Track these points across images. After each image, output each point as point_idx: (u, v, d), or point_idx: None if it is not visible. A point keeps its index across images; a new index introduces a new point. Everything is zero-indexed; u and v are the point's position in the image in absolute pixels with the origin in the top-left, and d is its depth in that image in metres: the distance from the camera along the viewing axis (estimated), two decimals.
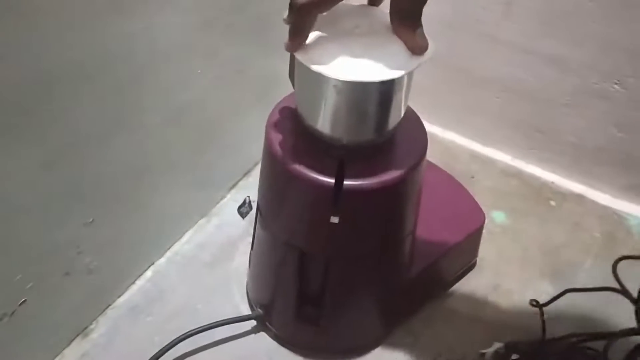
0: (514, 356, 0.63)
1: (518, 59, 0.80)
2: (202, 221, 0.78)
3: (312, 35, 0.47)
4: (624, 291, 0.56)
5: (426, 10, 0.46)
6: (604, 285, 0.57)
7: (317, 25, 0.48)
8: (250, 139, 0.78)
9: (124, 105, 0.59)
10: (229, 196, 0.81)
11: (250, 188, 0.81)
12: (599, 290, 0.58)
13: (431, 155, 0.58)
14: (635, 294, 0.55)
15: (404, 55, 0.47)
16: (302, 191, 0.54)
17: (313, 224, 0.56)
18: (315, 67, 0.46)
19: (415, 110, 0.58)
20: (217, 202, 0.80)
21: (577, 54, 0.75)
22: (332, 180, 0.51)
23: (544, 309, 0.65)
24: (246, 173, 0.83)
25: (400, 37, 0.47)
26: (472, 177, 0.85)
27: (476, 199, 0.72)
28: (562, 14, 0.74)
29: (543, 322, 0.60)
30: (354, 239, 0.56)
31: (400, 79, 0.48)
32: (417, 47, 0.46)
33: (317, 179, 0.51)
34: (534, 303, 0.59)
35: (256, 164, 0.83)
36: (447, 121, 0.90)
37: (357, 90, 0.48)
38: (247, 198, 0.80)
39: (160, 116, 0.64)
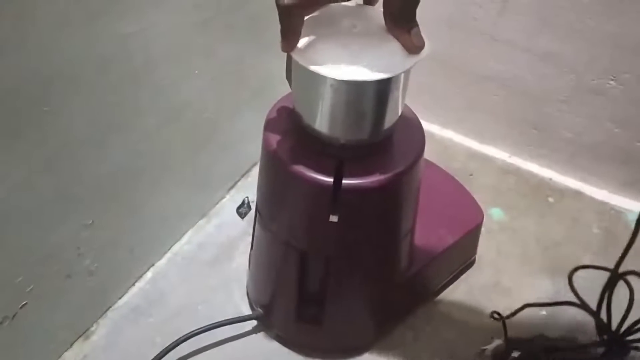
0: (514, 353, 0.63)
1: (515, 56, 0.80)
2: (201, 222, 0.78)
3: (309, 35, 0.48)
4: (582, 305, 0.56)
5: (423, 9, 0.46)
6: (565, 300, 0.57)
7: (314, 24, 0.48)
8: (249, 140, 0.78)
9: (121, 106, 0.59)
10: (227, 197, 0.81)
11: (249, 188, 0.81)
12: (557, 305, 0.58)
13: (429, 154, 0.58)
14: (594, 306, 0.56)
15: (401, 54, 0.47)
16: (300, 191, 0.54)
17: (312, 223, 0.56)
18: (312, 67, 0.46)
19: (413, 109, 0.58)
20: (216, 203, 0.80)
21: (574, 51, 0.75)
22: (331, 180, 0.51)
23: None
24: (245, 173, 0.83)
25: (395, 37, 0.47)
26: (471, 175, 0.85)
27: (474, 196, 0.72)
28: (557, 11, 0.74)
29: (505, 333, 0.60)
30: (353, 237, 0.57)
31: (397, 77, 0.48)
32: (413, 47, 0.46)
33: (316, 178, 0.52)
34: (496, 316, 0.60)
35: (255, 164, 0.83)
36: (445, 119, 0.90)
37: (354, 90, 0.49)
38: (246, 198, 0.80)
39: (158, 117, 0.64)
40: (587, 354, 0.57)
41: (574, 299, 0.61)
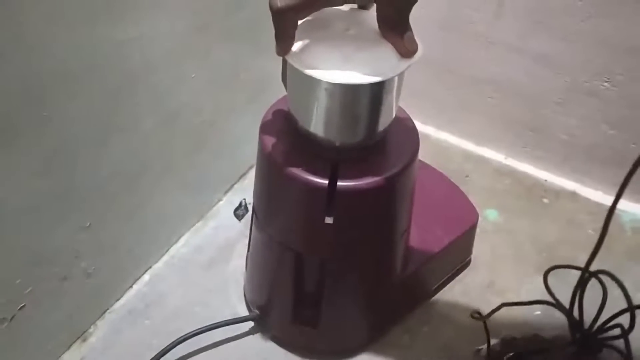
0: (509, 353, 0.63)
1: (510, 58, 0.80)
2: (198, 224, 0.78)
3: (303, 39, 0.48)
4: (557, 305, 0.57)
5: (419, 12, 0.47)
6: (541, 299, 0.57)
7: (308, 28, 0.49)
8: (246, 142, 0.78)
9: (118, 110, 0.59)
10: (225, 199, 0.81)
11: (245, 191, 0.82)
12: (532, 304, 0.59)
13: (425, 156, 0.58)
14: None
15: (394, 58, 0.47)
16: (296, 193, 0.54)
17: (308, 225, 0.56)
18: (306, 71, 0.46)
19: (409, 111, 0.59)
20: (213, 205, 0.80)
21: (568, 53, 0.76)
22: (326, 182, 0.52)
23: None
24: (242, 176, 0.83)
25: (389, 41, 0.47)
26: (466, 176, 0.86)
27: (470, 198, 0.72)
28: (552, 14, 0.75)
29: (487, 333, 0.61)
30: (349, 239, 0.57)
31: (391, 80, 0.49)
32: (406, 51, 0.47)
33: (311, 180, 0.52)
34: (476, 315, 0.60)
35: (251, 167, 0.83)
36: (441, 121, 0.91)
37: (348, 93, 0.49)
38: (243, 201, 0.80)
39: (155, 120, 0.64)
40: (559, 352, 0.57)
41: (567, 298, 0.61)
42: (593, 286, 0.55)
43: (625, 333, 0.53)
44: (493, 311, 0.60)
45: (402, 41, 0.46)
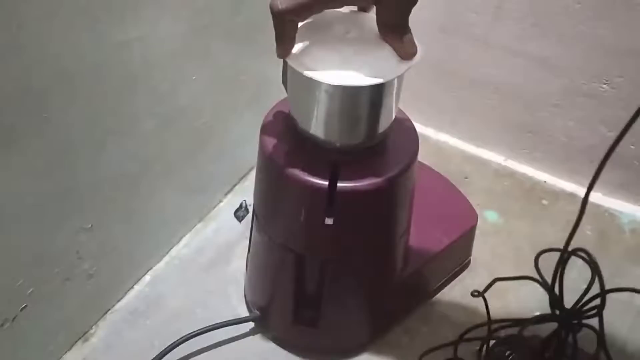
0: (509, 352, 0.64)
1: (509, 61, 0.81)
2: (199, 225, 0.78)
3: (304, 41, 0.48)
4: (542, 282, 0.58)
5: (418, 14, 0.47)
6: (527, 275, 0.59)
7: (308, 31, 0.49)
8: (246, 144, 0.78)
9: (118, 111, 0.60)
10: (225, 200, 0.82)
11: (246, 192, 0.82)
12: (521, 279, 0.60)
13: (424, 157, 0.59)
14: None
15: (394, 59, 0.48)
16: (296, 194, 0.55)
17: (308, 226, 0.57)
18: (306, 73, 0.47)
19: (408, 113, 0.59)
20: (214, 207, 0.81)
21: (566, 55, 0.76)
22: (326, 183, 0.52)
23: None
24: (242, 177, 0.84)
25: (388, 44, 0.48)
26: (466, 178, 0.86)
27: (470, 199, 0.73)
28: (550, 16, 0.75)
29: (488, 311, 0.62)
30: (349, 240, 0.57)
31: (391, 82, 0.49)
32: (406, 53, 0.47)
33: (311, 181, 0.52)
34: (475, 293, 0.61)
35: (252, 168, 0.84)
36: (440, 123, 0.91)
37: (348, 95, 0.50)
38: (244, 202, 0.81)
39: (155, 121, 0.65)
40: (538, 330, 0.59)
41: (566, 299, 0.62)
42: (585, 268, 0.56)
43: (599, 311, 0.54)
44: (487, 287, 0.61)
45: (401, 43, 0.47)
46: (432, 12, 0.81)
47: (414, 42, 0.47)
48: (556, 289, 0.57)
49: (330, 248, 0.58)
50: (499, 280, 0.61)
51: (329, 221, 0.54)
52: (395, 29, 0.47)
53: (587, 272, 0.56)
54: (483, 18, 0.80)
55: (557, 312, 0.58)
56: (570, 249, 0.75)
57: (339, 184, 0.52)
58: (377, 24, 0.48)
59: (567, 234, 0.78)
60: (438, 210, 0.70)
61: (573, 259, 0.57)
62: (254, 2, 0.70)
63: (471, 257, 0.75)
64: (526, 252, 0.77)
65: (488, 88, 0.85)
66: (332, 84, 0.47)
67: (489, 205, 0.82)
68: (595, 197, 0.83)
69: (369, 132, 0.53)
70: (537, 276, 0.60)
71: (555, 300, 0.58)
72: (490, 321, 0.62)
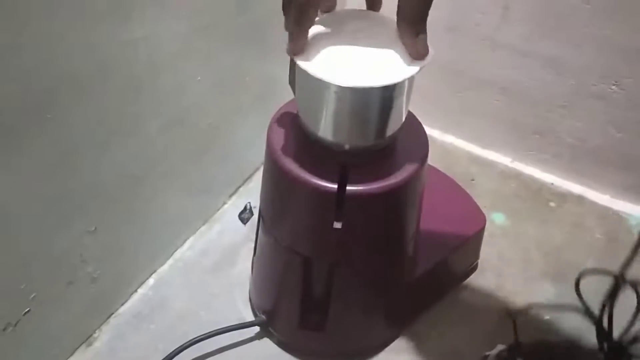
0: (517, 358, 0.63)
1: (516, 61, 0.80)
2: (203, 228, 0.78)
3: (313, 41, 0.48)
4: (587, 311, 0.55)
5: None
6: (569, 304, 0.56)
7: (318, 31, 0.48)
8: (250, 145, 0.78)
9: (123, 112, 0.59)
10: (229, 202, 0.81)
11: (251, 194, 0.81)
12: (560, 308, 0.58)
13: (431, 158, 0.58)
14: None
15: (405, 61, 0.47)
16: (304, 197, 0.54)
17: (316, 229, 0.56)
18: (316, 74, 0.46)
19: (415, 113, 0.58)
20: (218, 209, 0.80)
21: (575, 56, 0.76)
22: (335, 186, 0.51)
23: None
24: (247, 179, 0.83)
25: (403, 40, 0.47)
26: (472, 180, 0.85)
27: (477, 201, 0.72)
28: (559, 17, 0.74)
29: (516, 333, 0.60)
30: (357, 244, 0.57)
31: (401, 83, 0.48)
32: (417, 53, 0.47)
33: (320, 184, 0.52)
34: (507, 316, 0.59)
35: (257, 170, 0.83)
36: (446, 124, 0.90)
37: (358, 96, 0.49)
38: (248, 204, 0.80)
39: (160, 123, 0.64)
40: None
41: (578, 303, 0.60)
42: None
43: None
44: (521, 311, 0.59)
45: (415, 41, 0.46)
46: (438, 12, 0.79)
47: (427, 44, 0.47)
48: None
49: (338, 251, 0.57)
50: (534, 307, 0.59)
51: (337, 225, 0.53)
52: (412, 25, 0.46)
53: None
54: (490, 18, 0.79)
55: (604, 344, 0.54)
56: (579, 254, 0.74)
57: (348, 187, 0.51)
58: (398, 14, 0.46)
59: (575, 237, 0.78)
60: (446, 212, 0.69)
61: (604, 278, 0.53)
62: (258, 2, 0.69)
63: (479, 260, 0.74)
64: (534, 255, 0.76)
65: (495, 89, 0.84)
66: (341, 85, 0.46)
67: (496, 207, 0.81)
68: (604, 199, 0.83)
69: (378, 134, 0.52)
70: (577, 302, 0.56)
71: (604, 334, 0.55)
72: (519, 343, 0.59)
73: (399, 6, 0.46)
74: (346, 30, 0.49)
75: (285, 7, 0.46)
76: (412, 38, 0.46)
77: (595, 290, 0.53)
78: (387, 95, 0.49)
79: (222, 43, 0.68)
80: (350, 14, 0.50)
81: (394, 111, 0.51)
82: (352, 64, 0.47)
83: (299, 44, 0.47)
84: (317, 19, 0.48)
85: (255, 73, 0.75)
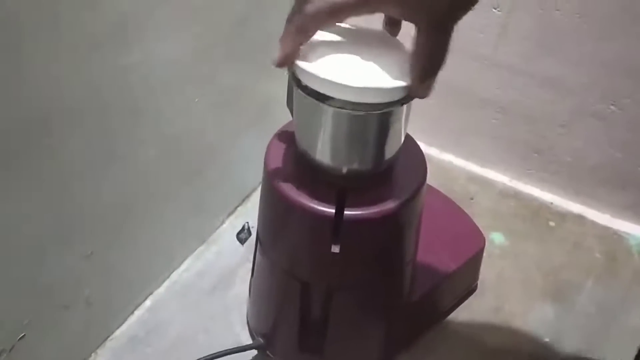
0: None
1: (515, 80, 0.80)
2: (200, 248, 0.77)
3: (311, 63, 0.47)
4: None
5: None
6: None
7: (318, 52, 0.47)
8: (248, 165, 0.78)
9: (120, 137, 0.59)
10: (227, 222, 0.80)
11: (248, 214, 0.81)
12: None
13: (429, 177, 0.58)
14: None
15: (404, 85, 0.47)
16: (302, 221, 0.53)
17: (314, 253, 0.55)
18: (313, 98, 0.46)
19: (413, 132, 0.58)
20: (216, 229, 0.79)
21: (574, 76, 0.76)
22: (332, 210, 0.51)
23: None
24: (244, 199, 0.82)
25: (410, 75, 0.46)
26: (471, 199, 0.85)
27: (475, 220, 0.72)
28: (557, 36, 0.74)
29: None
30: (355, 267, 0.56)
31: (400, 109, 0.48)
32: (418, 94, 0.46)
33: (318, 209, 0.51)
34: None
35: (254, 190, 0.82)
36: (445, 143, 0.90)
37: (355, 120, 0.48)
38: (246, 224, 0.79)
39: (158, 145, 0.64)
40: None
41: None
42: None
43: None
44: None
45: (420, 84, 0.45)
46: None
47: (431, 88, 0.46)
48: None
49: (335, 275, 0.57)
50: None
51: (335, 249, 0.53)
52: (424, 69, 0.45)
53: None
54: (489, 37, 0.79)
55: None
56: (579, 274, 0.74)
57: (345, 212, 0.51)
58: (411, 60, 0.46)
59: (574, 257, 0.78)
60: (445, 233, 0.68)
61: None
62: (256, 24, 0.69)
63: (478, 281, 0.73)
64: (534, 275, 0.76)
65: (494, 107, 0.84)
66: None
67: (495, 227, 0.81)
68: (604, 218, 0.82)
69: (376, 158, 0.52)
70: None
71: None
72: None
73: (413, 52, 0.45)
74: (345, 53, 0.48)
75: (289, 19, 0.45)
76: (418, 80, 0.46)
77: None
78: (385, 120, 0.49)
79: (220, 65, 0.68)
80: (350, 33, 0.49)
81: (392, 135, 0.51)
82: (353, 77, 0.46)
83: (285, 58, 0.46)
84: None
85: (253, 94, 0.75)
